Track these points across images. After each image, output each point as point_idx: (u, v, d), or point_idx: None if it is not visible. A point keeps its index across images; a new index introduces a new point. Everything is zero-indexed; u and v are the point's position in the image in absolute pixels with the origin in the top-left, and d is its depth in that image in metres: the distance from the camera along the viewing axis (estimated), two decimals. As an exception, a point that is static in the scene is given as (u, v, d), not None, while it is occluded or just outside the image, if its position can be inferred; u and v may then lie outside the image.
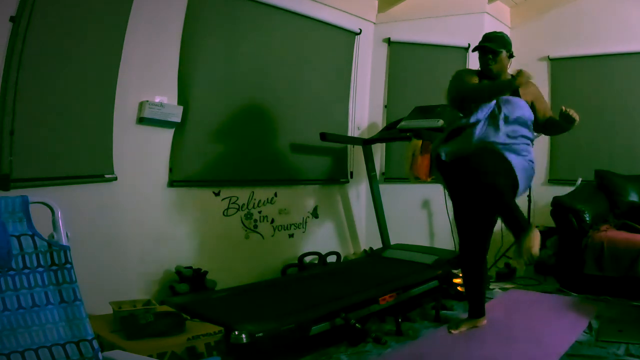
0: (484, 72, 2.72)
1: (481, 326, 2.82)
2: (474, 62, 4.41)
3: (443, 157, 2.64)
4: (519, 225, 2.41)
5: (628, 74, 4.33)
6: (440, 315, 2.99)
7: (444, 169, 2.70)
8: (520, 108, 2.63)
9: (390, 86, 4.54)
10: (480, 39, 2.77)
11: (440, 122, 3.43)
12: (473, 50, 2.77)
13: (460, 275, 3.23)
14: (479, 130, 2.60)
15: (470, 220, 2.77)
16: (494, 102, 2.62)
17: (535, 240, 2.35)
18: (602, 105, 4.40)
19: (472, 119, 2.61)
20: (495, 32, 2.78)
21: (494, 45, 2.66)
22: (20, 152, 2.39)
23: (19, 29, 2.34)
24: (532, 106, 2.70)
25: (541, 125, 2.76)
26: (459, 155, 2.57)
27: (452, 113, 2.87)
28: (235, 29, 3.42)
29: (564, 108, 2.52)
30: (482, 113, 2.61)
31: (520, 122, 2.62)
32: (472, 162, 2.49)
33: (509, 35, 2.81)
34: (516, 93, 2.66)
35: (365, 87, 4.52)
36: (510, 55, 2.73)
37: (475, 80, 2.71)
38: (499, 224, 4.37)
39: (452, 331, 2.74)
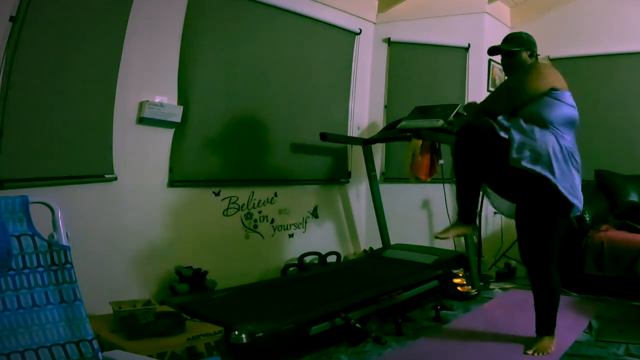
0: (505, 74, 2.63)
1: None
2: (474, 62, 4.47)
3: None
4: (549, 323, 2.44)
5: (628, 74, 4.33)
6: (440, 315, 2.99)
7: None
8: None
9: (390, 86, 4.53)
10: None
11: (440, 122, 3.43)
12: (488, 54, 2.62)
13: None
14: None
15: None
16: None
17: (553, 345, 2.40)
18: (602, 105, 4.40)
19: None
20: (514, 32, 2.60)
21: (506, 46, 2.50)
22: (17, 152, 2.38)
23: (18, 28, 2.34)
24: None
25: None
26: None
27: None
28: (235, 29, 3.42)
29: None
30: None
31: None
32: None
33: (498, 39, 2.63)
34: None
35: (365, 87, 4.52)
36: (532, 54, 2.48)
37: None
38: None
39: (438, 235, 2.54)
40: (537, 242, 2.45)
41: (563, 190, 2.28)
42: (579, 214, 2.42)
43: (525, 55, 2.48)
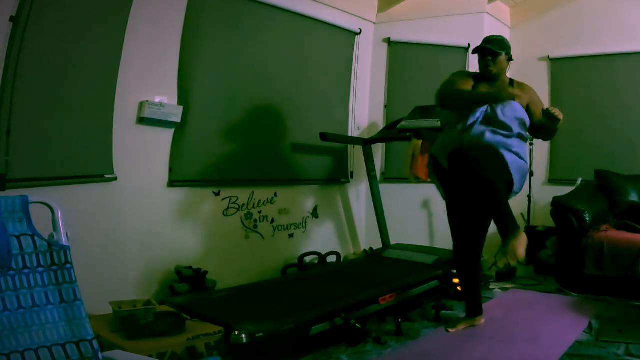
0: (484, 73, 2.72)
1: (479, 325, 2.82)
2: (474, 62, 4.44)
3: (439, 155, 2.66)
4: (508, 225, 2.45)
5: (628, 74, 4.33)
6: (440, 315, 2.99)
7: (439, 167, 2.71)
8: (514, 109, 2.63)
9: (390, 86, 4.54)
10: (480, 39, 2.78)
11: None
12: (473, 52, 2.76)
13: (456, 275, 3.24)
14: (474, 130, 2.61)
15: (465, 220, 2.77)
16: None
17: (521, 244, 2.41)
18: (602, 105, 4.40)
19: (470, 121, 2.61)
20: (495, 35, 2.77)
21: (494, 47, 2.65)
22: (18, 152, 2.39)
23: (18, 29, 2.34)
24: (528, 109, 2.69)
25: (535, 129, 2.76)
26: (455, 150, 2.56)
27: (446, 114, 2.87)
28: (235, 28, 3.43)
29: (548, 108, 2.54)
30: (477, 114, 2.62)
31: (515, 121, 2.63)
32: (468, 157, 2.48)
33: (508, 37, 2.82)
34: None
35: (365, 87, 4.52)
36: (510, 59, 2.72)
37: (470, 84, 2.72)
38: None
39: (450, 330, 2.75)
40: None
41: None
42: None
43: (504, 57, 2.68)
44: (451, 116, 2.76)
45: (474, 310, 2.85)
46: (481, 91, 2.69)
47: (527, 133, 2.73)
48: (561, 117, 2.50)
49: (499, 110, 2.61)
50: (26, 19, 2.36)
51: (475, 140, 2.58)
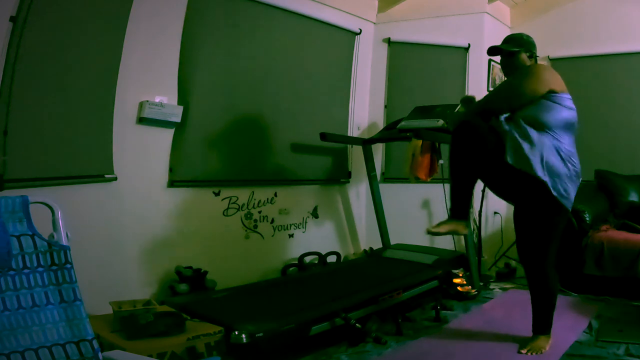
0: (504, 75, 2.64)
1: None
2: (473, 62, 4.46)
3: None
4: (548, 324, 2.46)
5: (628, 74, 4.33)
6: (440, 315, 2.99)
7: None
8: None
9: (390, 86, 4.53)
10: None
11: (441, 122, 3.43)
12: (488, 54, 2.62)
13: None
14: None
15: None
16: None
17: (548, 345, 2.40)
18: (602, 105, 4.40)
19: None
20: (514, 34, 2.61)
21: (506, 46, 2.51)
22: (17, 152, 2.38)
23: (18, 29, 2.34)
24: None
25: None
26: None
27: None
28: (235, 28, 3.42)
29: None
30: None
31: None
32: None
33: (498, 39, 2.64)
34: None
35: (365, 87, 4.52)
36: (531, 55, 2.50)
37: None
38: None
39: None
40: (534, 241, 2.45)
41: (553, 190, 2.29)
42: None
43: (524, 56, 2.49)
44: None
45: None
46: None
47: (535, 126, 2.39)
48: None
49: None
50: (25, 18, 2.35)
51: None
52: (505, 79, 2.61)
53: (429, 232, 2.50)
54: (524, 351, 2.43)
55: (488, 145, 2.35)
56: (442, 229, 2.49)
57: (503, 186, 2.53)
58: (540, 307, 2.50)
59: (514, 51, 2.48)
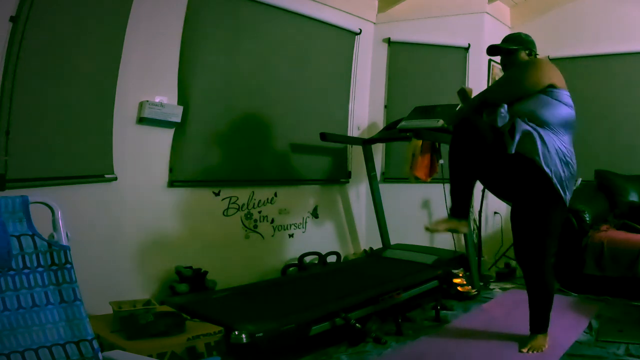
0: (504, 72, 2.65)
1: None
2: (473, 62, 4.46)
3: None
4: (545, 322, 2.45)
5: (628, 74, 4.33)
6: (440, 315, 2.99)
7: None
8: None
9: (390, 86, 4.53)
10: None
11: (441, 122, 3.43)
12: (487, 53, 2.64)
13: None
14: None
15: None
16: None
17: (547, 343, 2.39)
18: (602, 105, 4.40)
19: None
20: (514, 33, 2.63)
21: (505, 45, 2.54)
22: (17, 152, 2.38)
23: (18, 29, 2.34)
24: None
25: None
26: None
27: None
28: (235, 28, 3.42)
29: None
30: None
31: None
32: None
33: (498, 39, 2.65)
34: None
35: (365, 87, 4.52)
36: (530, 53, 2.52)
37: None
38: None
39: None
40: (532, 237, 2.44)
41: (554, 178, 2.29)
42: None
43: (523, 54, 2.51)
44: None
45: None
46: None
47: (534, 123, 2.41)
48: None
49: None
50: (26, 18, 2.35)
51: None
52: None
53: (428, 229, 2.49)
54: (524, 350, 2.44)
55: (487, 142, 2.35)
56: (442, 226, 2.49)
57: (502, 183, 2.52)
58: (538, 306, 2.50)
59: (513, 49, 2.50)
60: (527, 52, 2.51)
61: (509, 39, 2.58)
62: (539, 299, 2.49)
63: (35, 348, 1.37)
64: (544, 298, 2.49)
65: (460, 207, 2.49)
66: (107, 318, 2.34)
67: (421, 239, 4.28)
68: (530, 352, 2.42)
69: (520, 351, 2.44)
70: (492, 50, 2.59)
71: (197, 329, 2.23)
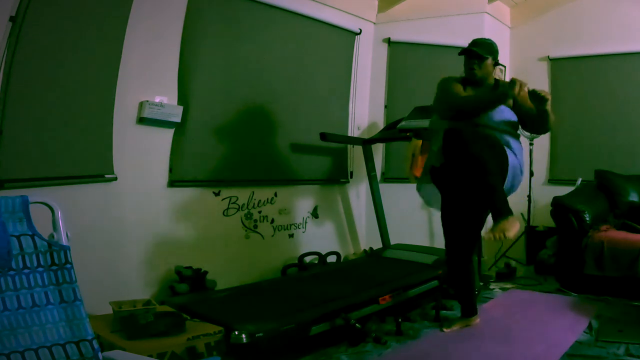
0: (468, 77, 2.71)
1: (474, 325, 2.82)
2: (474, 62, 4.46)
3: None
4: (500, 209, 2.35)
5: (628, 74, 4.33)
6: (440, 315, 2.99)
7: (434, 168, 2.69)
8: (501, 112, 2.62)
9: (390, 86, 4.54)
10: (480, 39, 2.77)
11: (440, 122, 3.42)
12: (460, 54, 2.73)
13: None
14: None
15: (458, 216, 2.71)
16: None
17: (513, 226, 2.31)
18: (602, 105, 4.40)
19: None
20: (483, 38, 2.76)
21: (480, 51, 2.64)
22: (15, 151, 2.38)
23: (18, 28, 2.34)
24: (515, 103, 2.62)
25: (528, 119, 2.67)
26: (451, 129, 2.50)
27: (437, 120, 2.81)
28: (235, 28, 3.43)
29: (534, 88, 2.45)
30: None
31: (509, 124, 2.63)
32: (463, 136, 2.39)
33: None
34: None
35: (365, 87, 4.52)
36: (496, 64, 2.72)
37: (461, 89, 2.66)
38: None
39: (445, 330, 2.75)
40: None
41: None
42: None
43: (490, 61, 2.69)
44: (442, 123, 2.68)
45: (469, 310, 2.85)
46: (491, 93, 2.62)
47: (518, 132, 2.72)
48: (548, 97, 2.43)
49: (489, 115, 2.57)
50: (25, 18, 2.35)
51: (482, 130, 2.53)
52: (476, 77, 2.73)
53: (443, 330, 2.77)
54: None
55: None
56: (457, 327, 2.78)
57: (471, 191, 2.53)
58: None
59: (485, 57, 2.67)
60: (494, 62, 2.72)
61: (480, 44, 2.71)
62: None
63: (35, 348, 1.37)
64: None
65: (469, 307, 2.85)
66: (107, 318, 2.34)
67: (421, 239, 4.28)
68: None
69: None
70: (466, 52, 2.70)
71: (197, 329, 2.22)
